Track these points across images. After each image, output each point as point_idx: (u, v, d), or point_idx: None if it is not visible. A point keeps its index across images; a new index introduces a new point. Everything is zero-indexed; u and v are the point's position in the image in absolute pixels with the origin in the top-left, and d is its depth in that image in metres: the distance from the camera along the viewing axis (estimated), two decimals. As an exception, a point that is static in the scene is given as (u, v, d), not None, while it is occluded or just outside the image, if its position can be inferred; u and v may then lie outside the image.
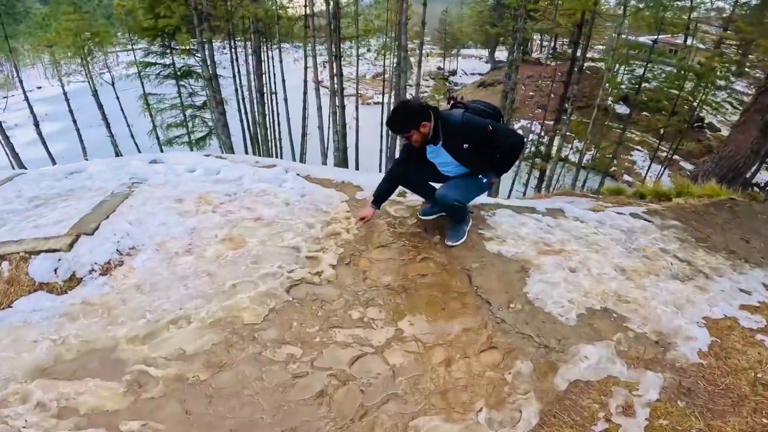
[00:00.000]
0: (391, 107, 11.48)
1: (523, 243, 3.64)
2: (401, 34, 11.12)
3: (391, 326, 2.69)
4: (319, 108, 10.51)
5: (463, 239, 3.51)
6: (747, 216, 5.05)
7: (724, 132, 24.58)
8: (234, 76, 16.13)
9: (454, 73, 32.39)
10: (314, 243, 3.35)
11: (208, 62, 13.61)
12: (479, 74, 31.36)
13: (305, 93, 12.08)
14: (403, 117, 3.06)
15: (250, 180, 4.09)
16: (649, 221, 4.64)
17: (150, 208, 3.58)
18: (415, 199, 4.01)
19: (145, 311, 2.65)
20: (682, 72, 17.71)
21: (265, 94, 12.74)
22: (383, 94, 12.90)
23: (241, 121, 15.64)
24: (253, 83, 14.79)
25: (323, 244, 3.35)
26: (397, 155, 11.01)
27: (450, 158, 3.25)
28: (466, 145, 3.11)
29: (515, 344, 2.66)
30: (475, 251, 3.48)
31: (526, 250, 3.55)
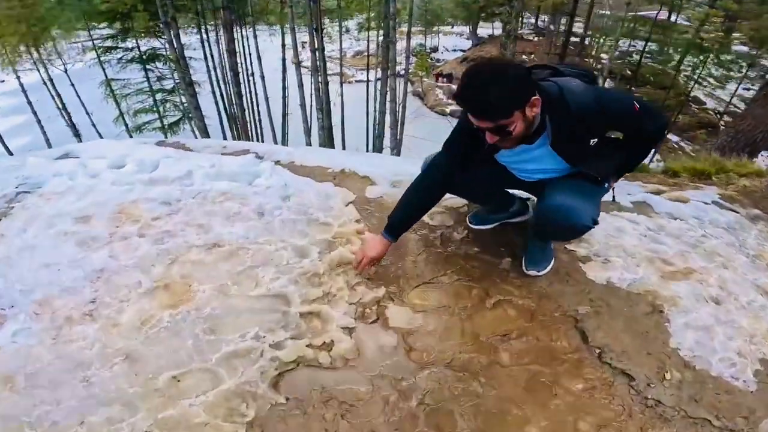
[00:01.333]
0: (373, 84, 9.91)
1: (635, 262, 2.28)
2: (389, 1, 9.49)
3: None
4: (300, 85, 9.00)
5: (552, 264, 2.10)
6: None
7: (710, 105, 23.69)
8: (205, 57, 14.76)
9: (435, 49, 30.72)
10: (311, 285, 1.91)
11: (174, 43, 12.09)
12: (461, 50, 29.72)
13: (284, 71, 10.49)
14: (501, 87, 1.45)
15: (204, 177, 2.58)
16: (735, 211, 3.38)
17: (30, 238, 2.09)
18: (456, 199, 2.56)
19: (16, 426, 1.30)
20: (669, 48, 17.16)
21: (240, 74, 11.23)
22: (367, 70, 11.32)
23: (216, 103, 14.44)
24: (225, 62, 13.34)
25: (327, 286, 1.91)
26: (388, 133, 9.38)
27: (555, 164, 1.78)
28: (594, 141, 1.67)
29: None
30: (572, 282, 2.09)
31: (645, 274, 2.19)
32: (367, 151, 11.44)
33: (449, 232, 2.31)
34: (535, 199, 2.41)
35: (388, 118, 8.39)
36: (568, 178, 1.82)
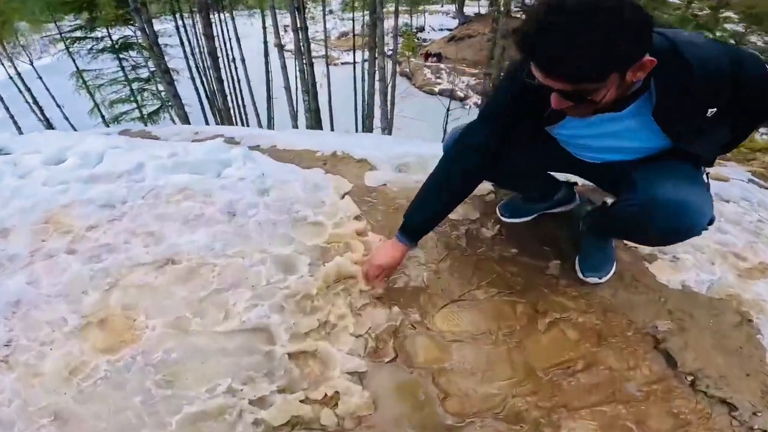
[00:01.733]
0: (360, 65, 9.25)
1: (708, 258, 1.82)
2: (375, -24, 8.82)
3: None
4: (284, 67, 8.32)
5: (614, 266, 1.62)
6: None
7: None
8: (181, 43, 14.15)
9: (421, 29, 29.70)
10: (302, 312, 1.39)
11: (147, 30, 11.39)
12: (448, 29, 28.54)
13: (266, 55, 9.79)
14: (604, 36, 0.88)
15: (158, 169, 2.01)
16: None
17: None
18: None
19: None
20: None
21: (220, 58, 10.56)
22: (354, 51, 10.62)
23: (196, 89, 13.86)
24: (203, 47, 12.68)
25: (323, 313, 1.39)
26: (378, 113, 8.69)
27: (648, 140, 1.21)
28: (712, 111, 1.06)
29: None
30: (642, 289, 1.61)
31: (722, 273, 1.73)
32: (357, 132, 10.88)
33: (476, 228, 1.78)
34: (584, 182, 1.90)
35: (377, 98, 7.79)
36: (656, 159, 1.27)
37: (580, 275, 1.59)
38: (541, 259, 1.67)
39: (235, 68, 11.85)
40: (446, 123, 9.47)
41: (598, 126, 1.21)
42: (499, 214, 1.83)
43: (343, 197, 1.87)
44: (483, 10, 28.13)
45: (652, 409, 1.27)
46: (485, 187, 1.99)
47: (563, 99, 1.02)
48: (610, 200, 1.76)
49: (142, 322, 1.35)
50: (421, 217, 1.40)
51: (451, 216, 1.82)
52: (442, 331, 1.38)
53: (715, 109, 1.06)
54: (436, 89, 19.71)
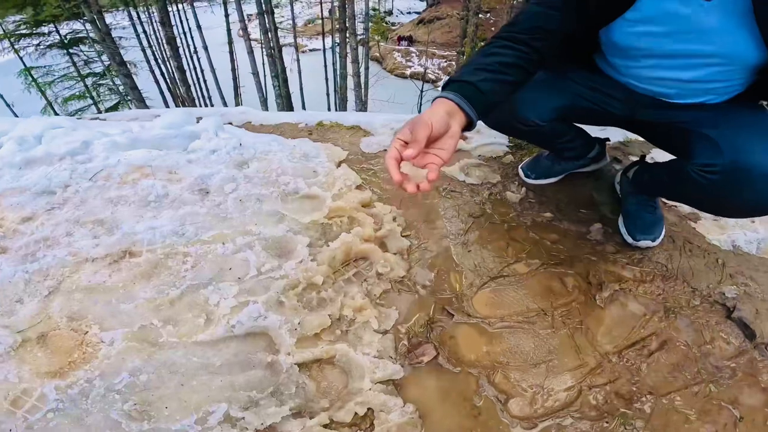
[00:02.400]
0: (333, 52, 8.78)
1: None
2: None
3: None
4: (250, 52, 7.78)
5: (664, 227, 1.36)
6: None
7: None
8: (137, 34, 13.49)
9: (390, 13, 29.18)
10: (308, 308, 1.07)
11: (98, 23, 10.73)
12: (416, 12, 28.20)
13: (230, 43, 9.20)
14: None
15: (109, 147, 1.63)
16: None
17: None
18: (494, 144, 1.75)
19: None
20: None
21: (181, 48, 9.91)
22: (323, 35, 10.10)
23: (156, 81, 13.24)
24: (161, 36, 12.01)
25: (335, 306, 1.07)
26: (351, 96, 8.16)
27: (740, 45, 0.88)
28: None
29: None
30: (696, 252, 1.39)
31: (765, 232, 1.52)
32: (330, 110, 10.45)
33: (500, 191, 1.49)
34: (612, 138, 1.64)
35: (350, 81, 7.39)
36: (737, 108, 1.02)
37: (630, 239, 1.33)
38: (580, 224, 1.40)
39: (198, 58, 11.22)
40: (420, 105, 9.17)
41: (676, 17, 0.91)
42: (522, 176, 1.55)
43: (338, 165, 1.55)
44: (451, -8, 27.89)
45: (742, 386, 1.04)
46: (501, 148, 1.70)
47: None
48: (651, 156, 1.50)
49: (95, 336, 1.00)
50: (477, 74, 0.91)
51: (469, 180, 1.54)
52: (487, 316, 1.08)
53: None
54: (408, 72, 19.43)
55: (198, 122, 1.82)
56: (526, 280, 1.19)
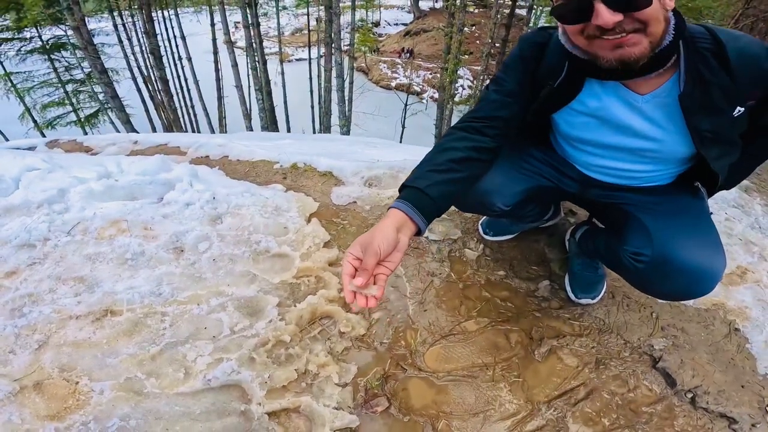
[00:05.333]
0: (320, 63, 9.20)
1: None
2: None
3: None
4: (234, 65, 8.14)
5: (606, 285, 1.73)
6: None
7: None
8: (120, 42, 13.98)
9: (377, 24, 30.67)
10: (277, 363, 1.37)
11: (81, 30, 11.10)
12: (403, 24, 30.21)
13: (215, 53, 9.56)
14: None
15: (85, 196, 1.90)
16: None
17: None
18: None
19: None
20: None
21: (164, 57, 10.26)
22: (309, 47, 10.56)
23: (139, 90, 13.63)
24: (144, 45, 12.43)
25: (301, 361, 1.38)
26: (335, 110, 8.58)
27: (668, 140, 1.14)
28: (740, 111, 1.05)
29: None
30: (633, 306, 1.75)
31: None
32: (314, 132, 10.72)
33: (459, 248, 1.82)
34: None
35: (334, 95, 7.78)
36: (671, 196, 1.27)
37: (573, 297, 1.66)
38: (530, 281, 1.74)
39: (182, 67, 11.58)
40: (404, 118, 9.60)
41: (614, 110, 1.14)
42: (481, 232, 1.88)
43: (309, 220, 1.85)
44: (438, 5, 29.22)
45: (656, 430, 1.35)
46: (464, 201, 2.03)
47: (610, 8, 0.90)
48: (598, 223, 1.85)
49: (86, 386, 1.27)
50: (424, 176, 1.11)
51: (431, 236, 1.86)
52: (436, 370, 1.39)
53: (743, 110, 1.04)
54: (393, 84, 20.30)
55: (172, 170, 2.11)
56: (474, 336, 1.51)
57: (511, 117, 1.24)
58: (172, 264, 1.59)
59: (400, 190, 1.13)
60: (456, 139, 1.21)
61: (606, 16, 0.90)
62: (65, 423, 1.20)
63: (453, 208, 2.02)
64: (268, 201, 1.94)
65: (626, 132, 1.17)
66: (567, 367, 1.48)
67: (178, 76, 12.08)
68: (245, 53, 8.83)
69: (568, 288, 1.69)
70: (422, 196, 1.08)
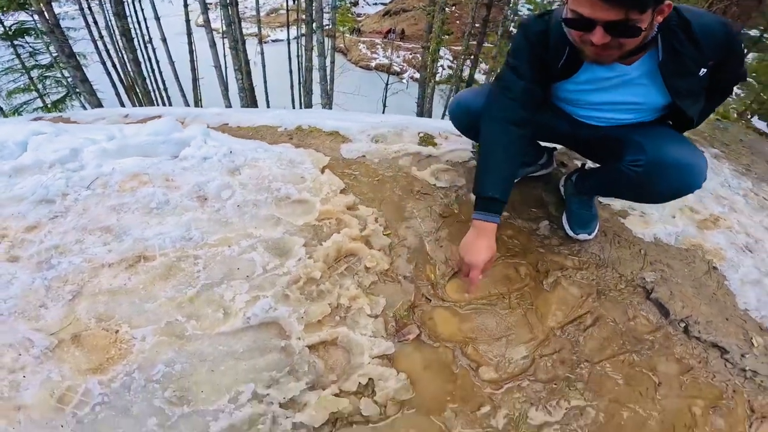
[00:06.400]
0: (300, 43, 8.76)
1: (669, 212, 1.95)
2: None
3: None
4: (212, 45, 7.59)
5: (599, 222, 1.70)
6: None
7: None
8: (87, 25, 12.92)
9: (355, 3, 28.97)
10: (310, 299, 1.29)
11: (46, 14, 10.16)
12: (382, 3, 28.20)
13: (189, 34, 8.89)
14: None
15: (100, 155, 1.73)
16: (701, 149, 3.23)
17: None
18: (460, 151, 2.00)
19: None
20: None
21: (135, 39, 9.52)
22: (288, 27, 9.99)
23: (108, 73, 12.72)
24: (113, 27, 11.49)
25: (333, 296, 1.30)
26: (316, 89, 8.24)
27: (649, 96, 1.28)
28: (703, 71, 1.20)
29: None
30: (624, 243, 1.70)
31: (683, 226, 1.86)
32: (295, 107, 10.34)
33: (465, 193, 1.75)
34: (559, 147, 1.94)
35: (316, 74, 7.43)
36: (654, 125, 1.37)
37: (571, 233, 1.63)
38: (531, 221, 1.69)
39: (153, 49, 10.81)
40: (385, 97, 9.34)
41: (607, 81, 1.27)
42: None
43: (323, 171, 1.74)
44: (417, -17, 27.94)
45: (658, 356, 1.34)
46: (466, 154, 1.95)
47: (606, 33, 1.04)
48: (590, 164, 1.80)
49: (127, 333, 1.16)
50: (502, 186, 1.31)
51: (439, 184, 1.78)
52: (457, 300, 1.34)
53: (706, 70, 1.19)
54: (373, 64, 19.44)
55: (184, 131, 1.95)
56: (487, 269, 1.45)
57: (533, 94, 1.34)
58: (198, 211, 1.46)
59: (482, 197, 1.31)
60: (504, 133, 1.33)
61: (599, 36, 1.04)
62: (108, 375, 1.08)
63: (457, 157, 1.95)
64: (282, 155, 1.81)
65: (616, 93, 1.30)
66: (572, 296, 1.45)
67: (149, 59, 11.37)
68: (222, 35, 8.33)
69: (566, 225, 1.66)
70: (503, 204, 1.31)
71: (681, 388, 1.27)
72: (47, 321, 1.17)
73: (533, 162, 1.82)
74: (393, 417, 1.08)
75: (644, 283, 1.55)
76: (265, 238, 1.38)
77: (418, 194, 1.70)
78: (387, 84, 9.09)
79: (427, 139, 2.07)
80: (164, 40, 9.12)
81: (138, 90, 10.24)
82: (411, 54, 19.29)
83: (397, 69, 18.19)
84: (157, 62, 10.89)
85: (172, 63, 9.36)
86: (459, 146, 2.01)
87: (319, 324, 1.20)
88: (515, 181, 1.81)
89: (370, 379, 1.11)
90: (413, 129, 2.15)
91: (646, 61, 1.20)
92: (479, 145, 1.41)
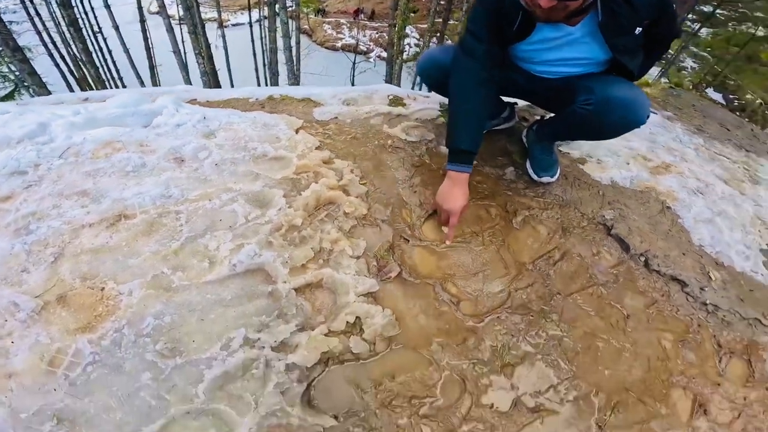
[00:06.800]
0: (263, 25, 8.46)
1: (623, 160, 2.03)
2: None
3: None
4: (170, 30, 7.19)
5: (560, 167, 1.75)
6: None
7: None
8: (30, 17, 12.00)
9: None
10: (293, 244, 1.29)
11: None
12: None
13: (143, 21, 8.39)
14: None
15: (68, 127, 1.66)
16: (654, 112, 3.37)
17: None
18: (428, 110, 2.02)
19: None
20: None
21: (84, 28, 8.92)
22: (249, 9, 9.59)
23: (57, 65, 11.93)
24: (57, 18, 10.69)
25: (315, 241, 1.30)
26: (283, 70, 8.03)
27: (593, 52, 1.39)
28: (639, 30, 1.30)
29: (749, 338, 1.37)
30: (584, 186, 1.77)
31: (637, 171, 1.95)
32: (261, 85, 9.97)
33: (435, 146, 1.77)
34: (522, 103, 1.99)
35: (281, 56, 7.20)
36: (600, 74, 1.46)
37: (534, 176, 1.68)
38: (497, 168, 1.73)
39: (104, 39, 10.18)
40: (353, 76, 9.19)
41: (556, 38, 1.37)
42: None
43: (297, 132, 1.73)
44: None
45: (624, 289, 1.40)
46: (434, 112, 1.97)
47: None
48: (549, 115, 1.86)
49: (113, 289, 1.13)
50: (471, 136, 1.41)
51: (409, 139, 1.80)
52: (434, 240, 1.37)
53: (641, 29, 1.28)
54: (339, 44, 18.86)
55: (154, 102, 1.88)
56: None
57: (493, 55, 1.42)
58: (176, 171, 1.43)
59: (455, 150, 1.41)
60: (473, 91, 1.42)
61: (545, 2, 1.14)
62: (98, 333, 1.04)
63: (425, 116, 1.97)
64: (256, 119, 1.78)
65: (565, 51, 1.40)
66: (540, 234, 1.50)
67: (101, 49, 10.74)
68: (179, 21, 7.89)
69: (530, 170, 1.71)
70: (474, 155, 1.41)
71: (648, 321, 1.33)
72: (30, 285, 1.13)
73: (497, 115, 1.86)
74: (382, 353, 1.11)
75: (604, 221, 1.62)
76: (245, 192, 1.37)
77: (390, 148, 1.72)
78: (354, 63, 8.93)
79: (396, 101, 2.07)
80: (116, 28, 8.57)
81: (91, 80, 9.67)
82: (378, 33, 18.78)
83: (364, 48, 17.75)
84: (110, 51, 10.24)
85: (126, 51, 8.82)
86: (427, 106, 2.03)
87: (303, 267, 1.21)
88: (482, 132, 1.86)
89: (357, 317, 1.12)
90: (383, 92, 2.15)
91: (588, 22, 1.30)
92: (449, 102, 1.48)
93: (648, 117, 1.37)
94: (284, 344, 1.07)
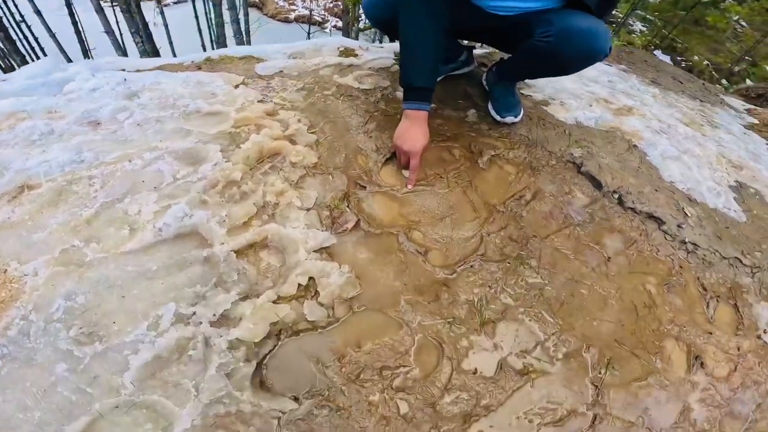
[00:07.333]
0: (205, 2, 7.83)
1: (586, 102, 1.89)
2: None
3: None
4: (99, 10, 6.47)
5: (523, 107, 1.58)
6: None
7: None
8: None
9: None
10: (232, 201, 1.07)
11: None
12: None
13: (69, 5, 7.54)
14: None
15: (-35, 96, 1.36)
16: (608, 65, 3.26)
17: None
18: (383, 59, 1.81)
19: None
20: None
21: (4, 17, 8.04)
22: None
23: None
24: None
25: (257, 195, 1.08)
26: (241, 42, 7.53)
27: None
28: None
29: (732, 280, 1.27)
30: (548, 126, 1.61)
31: (601, 112, 1.81)
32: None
33: (390, 92, 1.57)
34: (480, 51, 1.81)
35: (229, 29, 6.64)
36: (558, 8, 1.27)
37: (498, 117, 1.52)
38: (459, 111, 1.55)
39: (29, 26, 9.22)
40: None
41: None
42: (409, 79, 1.64)
43: (236, 87, 1.49)
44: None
45: (601, 230, 1.26)
46: (389, 61, 1.76)
47: None
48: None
49: (17, 270, 0.90)
50: (428, 70, 1.23)
51: (363, 86, 1.59)
52: (394, 185, 1.19)
53: None
54: (292, 16, 17.90)
55: (67, 69, 1.59)
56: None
57: None
58: (89, 134, 1.17)
59: (412, 88, 1.24)
60: (427, 27, 1.23)
61: None
62: (2, 323, 0.82)
63: (379, 64, 1.76)
64: (189, 78, 1.52)
65: None
66: (508, 173, 1.34)
67: (25, 36, 9.78)
68: (110, 2, 7.15)
69: (493, 111, 1.54)
70: (431, 92, 1.25)
71: (630, 263, 1.20)
72: None
73: (454, 58, 1.67)
74: (343, 318, 0.92)
75: (573, 159, 1.48)
76: (174, 149, 1.13)
77: (342, 97, 1.50)
78: (309, 34, 8.43)
79: (347, 52, 1.84)
80: (38, 12, 7.71)
81: (17, 68, 8.76)
82: (332, 2, 17.90)
83: (319, 19, 16.87)
84: (36, 39, 9.31)
85: (53, 36, 7.98)
86: (381, 55, 1.81)
87: (244, 226, 1.00)
88: (438, 79, 1.67)
89: (310, 278, 0.93)
90: (332, 45, 1.91)
91: None
92: (400, 39, 1.27)
93: (610, 49, 1.21)
94: (225, 317, 0.88)
